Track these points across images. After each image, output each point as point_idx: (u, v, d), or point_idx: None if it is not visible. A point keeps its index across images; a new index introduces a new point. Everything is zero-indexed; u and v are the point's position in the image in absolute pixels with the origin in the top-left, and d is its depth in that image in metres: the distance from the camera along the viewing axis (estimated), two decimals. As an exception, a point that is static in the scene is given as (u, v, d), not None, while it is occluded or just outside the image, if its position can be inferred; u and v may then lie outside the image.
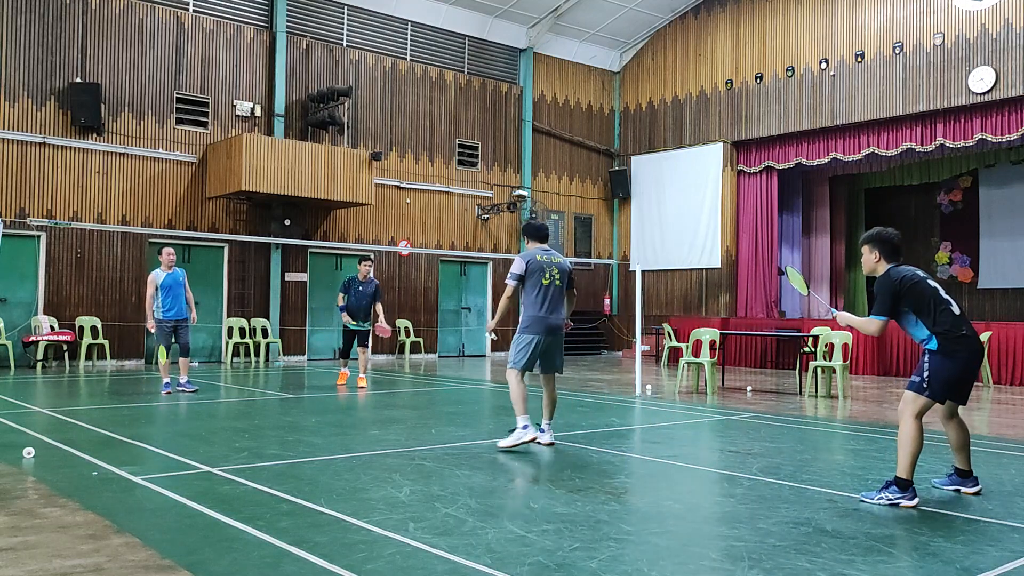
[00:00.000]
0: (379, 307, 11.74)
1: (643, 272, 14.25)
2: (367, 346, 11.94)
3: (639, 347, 11.81)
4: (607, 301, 22.54)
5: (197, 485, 5.23)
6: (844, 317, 5.36)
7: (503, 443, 6.72)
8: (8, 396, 9.97)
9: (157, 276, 10.56)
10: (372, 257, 12.99)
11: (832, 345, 11.82)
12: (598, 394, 11.48)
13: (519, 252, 20.60)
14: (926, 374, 5.00)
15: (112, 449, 6.49)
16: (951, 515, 4.75)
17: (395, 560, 3.76)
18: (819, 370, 11.58)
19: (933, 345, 5.00)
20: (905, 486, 4.92)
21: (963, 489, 5.32)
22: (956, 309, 5.06)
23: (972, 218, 21.55)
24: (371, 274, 11.74)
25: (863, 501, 5.00)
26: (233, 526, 4.27)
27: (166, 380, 10.63)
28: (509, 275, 6.92)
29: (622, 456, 6.66)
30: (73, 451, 6.33)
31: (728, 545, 4.11)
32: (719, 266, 20.25)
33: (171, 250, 10.70)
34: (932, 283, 5.14)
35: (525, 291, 6.90)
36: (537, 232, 7.14)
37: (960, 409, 5.38)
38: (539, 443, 6.92)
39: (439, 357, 19.50)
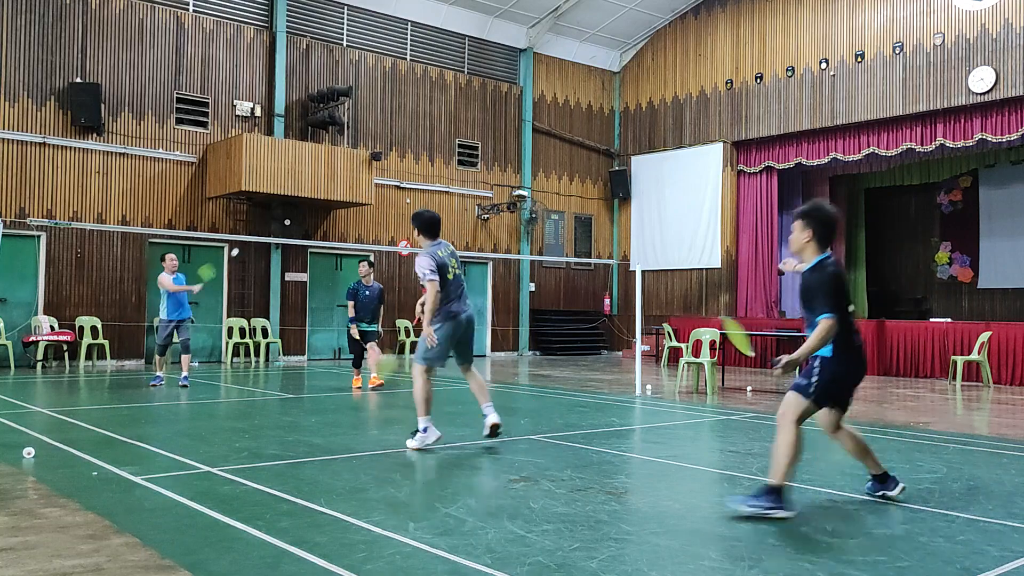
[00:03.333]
0: (380, 311, 11.79)
1: (643, 272, 14.23)
2: (375, 343, 11.74)
3: (639, 347, 11.81)
4: (607, 301, 22.54)
5: (197, 485, 5.23)
6: (798, 354, 4.66)
7: (411, 443, 6.59)
8: (8, 396, 9.97)
9: (168, 277, 11.29)
10: (372, 258, 12.94)
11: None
12: (598, 394, 11.48)
13: (518, 252, 20.63)
14: (815, 378, 4.64)
15: (112, 449, 6.49)
16: (951, 515, 4.75)
17: (395, 560, 3.76)
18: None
19: (828, 350, 4.63)
20: (780, 493, 4.54)
21: (888, 493, 4.98)
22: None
23: (972, 218, 21.55)
24: (372, 276, 11.74)
25: (735, 507, 4.62)
26: (233, 526, 4.27)
27: (158, 374, 11.32)
28: (427, 273, 6.51)
29: (622, 456, 6.66)
30: (73, 451, 6.33)
31: (728, 545, 4.11)
32: (719, 266, 20.25)
33: (173, 255, 11.45)
34: None
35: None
36: (428, 224, 6.77)
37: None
38: (485, 426, 6.79)
39: (439, 357, 19.46)
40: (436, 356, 6.71)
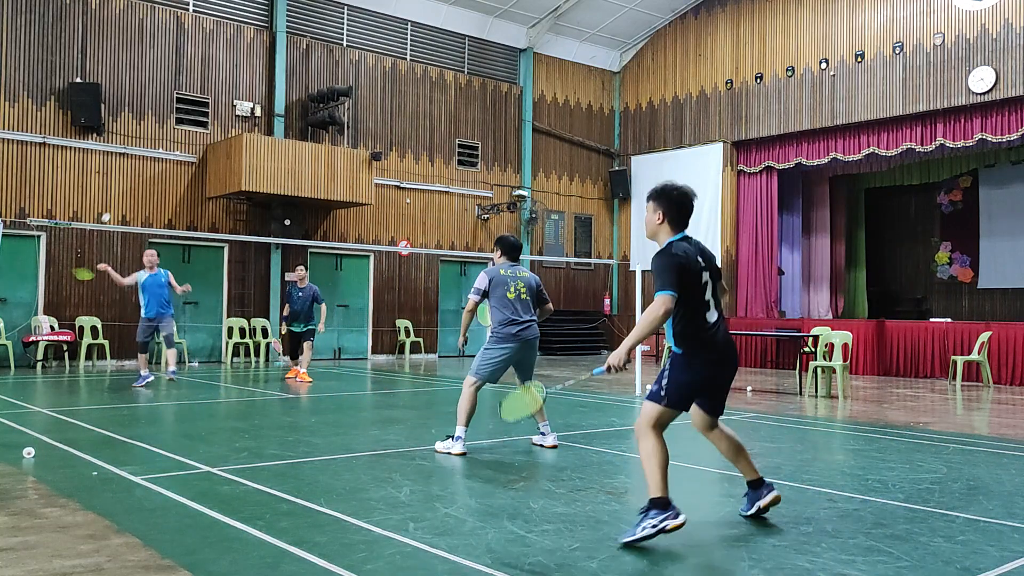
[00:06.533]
0: (323, 308, 12.59)
1: (643, 272, 14.20)
2: (311, 342, 12.67)
3: (639, 347, 11.79)
4: (607, 301, 22.53)
5: (197, 485, 5.23)
6: (618, 353, 4.20)
7: (438, 445, 6.57)
8: (8, 396, 9.96)
9: (139, 276, 11.45)
10: (306, 264, 13.32)
11: (832, 345, 11.82)
12: (598, 394, 11.48)
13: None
14: (664, 380, 4.29)
15: (112, 449, 6.48)
16: (951, 515, 4.75)
17: (395, 560, 3.76)
18: (819, 370, 11.58)
19: (677, 347, 4.31)
20: (664, 504, 4.07)
21: (760, 503, 4.51)
22: (713, 314, 4.38)
23: (972, 218, 21.54)
24: (307, 279, 12.57)
25: (625, 543, 4.02)
26: (233, 526, 4.27)
27: (143, 373, 11.32)
28: (472, 289, 6.76)
29: (622, 456, 6.66)
30: (73, 451, 6.33)
31: (728, 545, 4.12)
32: (719, 266, 20.23)
33: (152, 252, 11.50)
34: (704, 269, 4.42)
35: (492, 306, 6.75)
36: (510, 248, 6.91)
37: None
38: (543, 446, 6.87)
39: (439, 357, 19.50)
40: (489, 374, 6.71)
